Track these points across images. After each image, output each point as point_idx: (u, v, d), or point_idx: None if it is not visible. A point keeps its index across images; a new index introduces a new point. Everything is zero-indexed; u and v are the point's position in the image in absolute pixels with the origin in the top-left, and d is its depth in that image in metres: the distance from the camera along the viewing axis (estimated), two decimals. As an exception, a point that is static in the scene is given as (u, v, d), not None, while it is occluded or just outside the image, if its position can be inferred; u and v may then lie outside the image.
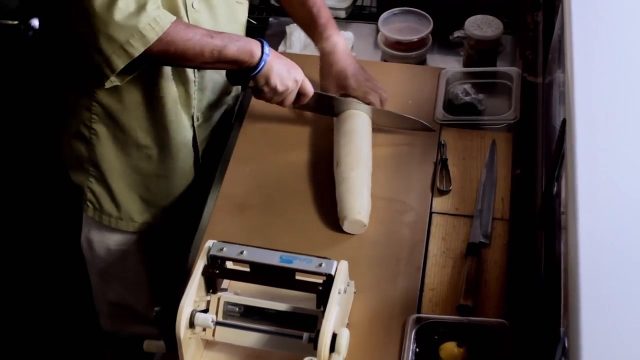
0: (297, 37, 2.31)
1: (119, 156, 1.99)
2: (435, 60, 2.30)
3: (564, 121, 1.46)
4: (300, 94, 1.91)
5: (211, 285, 1.57)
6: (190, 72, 1.93)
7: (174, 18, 1.73)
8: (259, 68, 1.83)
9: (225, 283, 1.63)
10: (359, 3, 2.48)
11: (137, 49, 1.70)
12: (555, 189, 1.69)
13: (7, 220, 3.03)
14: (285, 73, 1.86)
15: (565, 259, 1.36)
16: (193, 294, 1.52)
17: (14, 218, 3.05)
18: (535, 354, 1.56)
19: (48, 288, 2.91)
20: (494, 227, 1.80)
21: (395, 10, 2.31)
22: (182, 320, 1.49)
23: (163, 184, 2.06)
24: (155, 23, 1.70)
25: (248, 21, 2.08)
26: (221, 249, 1.56)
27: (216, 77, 2.02)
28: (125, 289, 2.23)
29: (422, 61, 2.29)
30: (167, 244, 2.11)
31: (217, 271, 1.56)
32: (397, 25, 2.29)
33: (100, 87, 1.81)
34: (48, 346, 2.79)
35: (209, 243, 1.58)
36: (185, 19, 1.83)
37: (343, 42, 2.03)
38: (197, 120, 2.03)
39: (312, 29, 2.04)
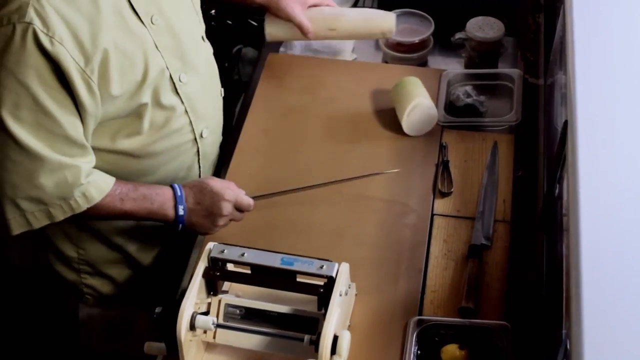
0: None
1: (113, 249, 1.92)
2: (437, 61, 2.30)
3: (565, 123, 1.46)
4: (241, 210, 1.79)
5: (212, 287, 1.57)
6: (191, 147, 1.86)
7: (96, 200, 1.64)
8: (179, 229, 1.76)
9: (226, 285, 1.63)
10: (359, 5, 2.48)
11: (41, 222, 1.63)
12: (556, 190, 1.69)
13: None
14: (208, 222, 1.75)
15: (567, 261, 1.36)
16: (194, 296, 1.51)
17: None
18: (536, 356, 1.56)
19: (42, 292, 2.88)
20: (495, 229, 1.79)
21: (397, 11, 2.30)
22: (182, 322, 1.48)
23: (163, 244, 1.99)
24: (68, 206, 1.62)
25: (248, 23, 2.06)
26: (222, 251, 1.56)
27: (215, 138, 1.95)
28: (137, 345, 2.17)
29: (423, 62, 2.28)
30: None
31: (218, 273, 1.56)
32: (398, 27, 2.29)
33: None
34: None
35: (210, 245, 1.58)
36: (177, 97, 1.75)
37: None
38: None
39: None
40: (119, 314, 2.08)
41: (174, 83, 1.74)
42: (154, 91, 1.70)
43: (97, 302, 2.02)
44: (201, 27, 1.86)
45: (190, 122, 1.81)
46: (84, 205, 1.64)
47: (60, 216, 1.63)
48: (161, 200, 1.73)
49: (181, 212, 1.73)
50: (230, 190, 1.75)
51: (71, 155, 1.60)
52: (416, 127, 1.99)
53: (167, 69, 1.71)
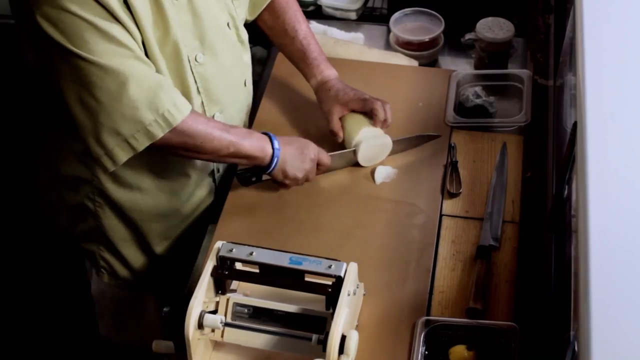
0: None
1: (129, 225, 1.94)
2: (446, 62, 2.30)
3: (575, 124, 1.46)
4: (319, 164, 1.89)
5: (220, 286, 1.57)
6: None
7: (187, 111, 1.67)
8: (273, 165, 1.81)
9: (235, 284, 1.63)
10: (369, 4, 2.48)
11: (142, 144, 1.65)
12: (566, 192, 1.69)
13: (9, 228, 3.02)
14: (299, 161, 1.84)
15: (576, 263, 1.36)
16: (202, 295, 1.52)
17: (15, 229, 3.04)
18: (544, 357, 1.56)
19: (46, 292, 2.89)
20: (504, 230, 1.79)
21: (407, 10, 2.31)
22: (191, 321, 1.49)
23: (178, 234, 2.01)
24: (164, 119, 1.64)
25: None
26: (230, 250, 1.56)
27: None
28: (142, 332, 2.15)
29: (433, 61, 2.28)
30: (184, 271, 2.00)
31: (227, 272, 1.57)
32: (408, 26, 2.30)
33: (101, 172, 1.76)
34: (45, 352, 2.77)
35: (219, 244, 1.58)
36: (191, 75, 1.76)
37: (334, 72, 2.01)
38: (218, 172, 1.99)
39: (304, 64, 2.01)
40: (128, 294, 2.09)
41: (188, 61, 1.75)
42: (168, 66, 1.71)
43: (110, 278, 2.04)
44: (230, 14, 1.86)
45: (202, 103, 1.82)
46: (177, 116, 1.65)
47: (159, 132, 1.65)
48: (257, 136, 1.80)
49: (277, 145, 1.81)
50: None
51: (148, 70, 1.64)
52: (372, 156, 1.96)
53: (183, 46, 1.72)
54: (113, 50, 1.58)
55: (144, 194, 1.89)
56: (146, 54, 1.65)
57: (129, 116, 1.61)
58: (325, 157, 1.89)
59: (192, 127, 1.69)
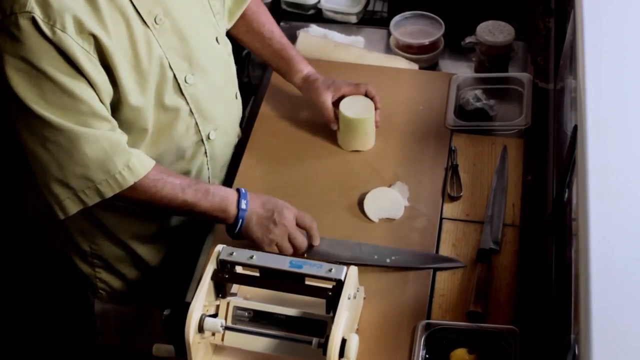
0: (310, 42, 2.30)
1: (121, 246, 1.93)
2: (447, 65, 2.30)
3: (575, 127, 1.46)
4: (306, 229, 1.76)
5: (220, 289, 1.57)
6: (198, 148, 1.86)
7: (143, 172, 1.64)
8: (238, 226, 1.73)
9: (235, 288, 1.63)
10: (370, 8, 2.48)
11: (93, 200, 1.63)
12: (566, 195, 1.69)
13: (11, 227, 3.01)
14: (268, 225, 1.72)
15: (576, 266, 1.36)
16: (202, 299, 1.52)
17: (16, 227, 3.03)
18: (545, 361, 1.56)
19: (48, 298, 2.87)
20: (504, 233, 1.79)
21: (407, 13, 2.31)
22: (191, 324, 1.49)
23: (173, 247, 2.00)
24: (115, 181, 1.62)
25: None
26: (231, 254, 1.56)
27: (227, 140, 1.96)
28: (148, 342, 2.16)
29: (433, 65, 2.28)
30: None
31: (227, 276, 1.57)
32: (408, 29, 2.30)
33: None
34: (45, 355, 2.77)
35: (219, 247, 1.58)
36: (181, 98, 1.75)
37: (312, 69, 2.04)
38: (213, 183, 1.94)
39: (285, 63, 2.03)
40: (133, 311, 2.08)
41: (178, 84, 1.73)
42: (157, 92, 1.70)
43: (111, 298, 2.03)
44: (216, 29, 1.85)
45: (196, 123, 1.81)
46: (129, 179, 1.63)
47: (109, 192, 1.63)
48: (223, 194, 1.73)
49: (243, 206, 1.72)
50: (293, 207, 1.75)
51: (103, 129, 1.61)
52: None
53: (171, 69, 1.71)
54: (70, 107, 1.56)
55: (134, 217, 1.89)
56: (120, 101, 1.64)
57: (79, 173, 1.61)
58: (308, 218, 1.76)
59: (143, 185, 1.66)
